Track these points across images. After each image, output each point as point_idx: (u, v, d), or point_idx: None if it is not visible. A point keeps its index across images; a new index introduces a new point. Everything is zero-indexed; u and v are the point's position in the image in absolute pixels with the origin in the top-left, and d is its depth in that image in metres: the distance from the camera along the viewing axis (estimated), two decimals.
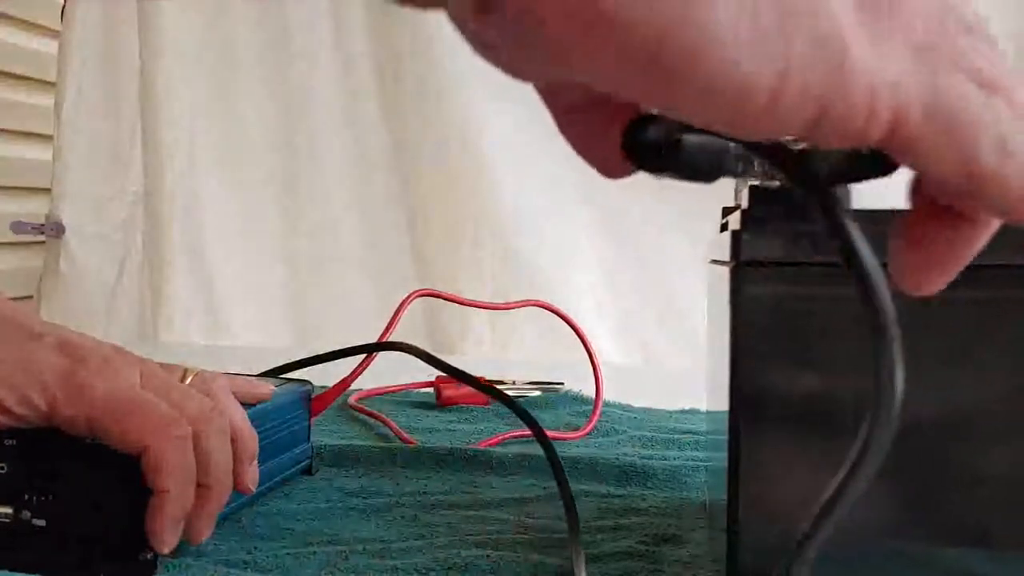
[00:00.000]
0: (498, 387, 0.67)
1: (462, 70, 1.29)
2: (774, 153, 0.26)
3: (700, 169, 0.30)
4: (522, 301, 0.84)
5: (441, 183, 1.32)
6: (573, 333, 0.73)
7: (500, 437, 0.67)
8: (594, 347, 0.72)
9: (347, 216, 1.37)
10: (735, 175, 0.31)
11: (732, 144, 0.27)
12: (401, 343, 0.64)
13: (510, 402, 0.60)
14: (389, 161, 1.35)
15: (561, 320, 0.75)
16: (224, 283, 1.39)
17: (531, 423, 0.56)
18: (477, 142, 1.30)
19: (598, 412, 0.71)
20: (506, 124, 1.30)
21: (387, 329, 0.70)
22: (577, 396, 0.82)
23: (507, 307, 0.96)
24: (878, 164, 0.26)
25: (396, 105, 1.33)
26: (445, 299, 0.81)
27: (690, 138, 0.28)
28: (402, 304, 0.71)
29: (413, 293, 0.74)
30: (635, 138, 0.29)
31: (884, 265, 0.25)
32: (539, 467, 0.61)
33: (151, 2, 1.36)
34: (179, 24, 1.36)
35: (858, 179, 0.29)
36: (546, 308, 0.79)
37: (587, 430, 0.69)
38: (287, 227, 1.39)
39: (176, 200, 1.38)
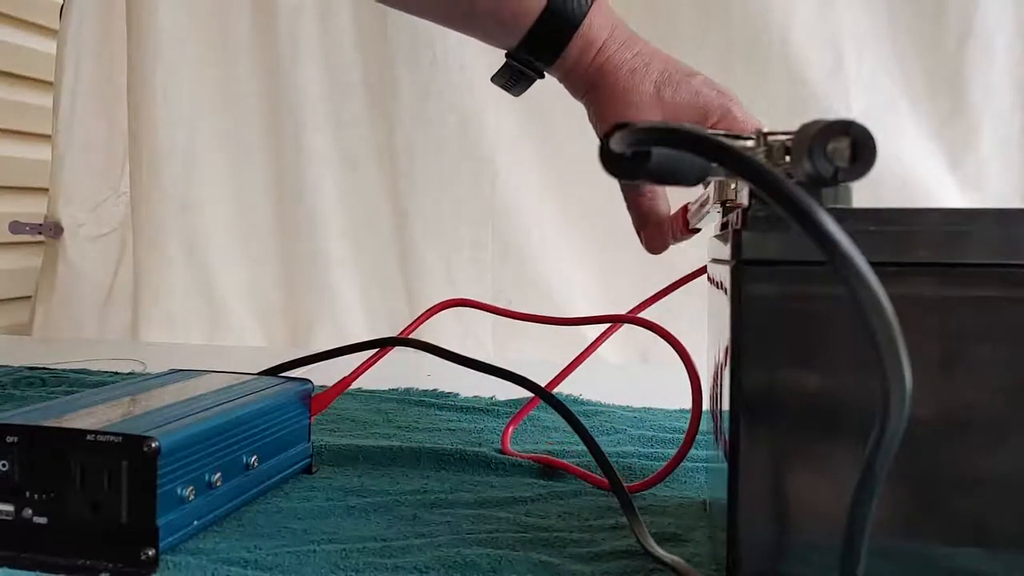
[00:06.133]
0: None
1: (463, 70, 1.28)
2: (739, 164, 0.26)
3: (665, 176, 0.31)
4: (604, 316, 0.66)
5: (440, 183, 1.32)
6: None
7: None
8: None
9: (340, 217, 1.36)
10: (697, 181, 0.32)
11: (694, 155, 0.28)
12: (411, 339, 0.63)
13: (553, 400, 0.59)
14: (387, 162, 1.35)
15: (657, 336, 0.58)
16: (220, 283, 1.39)
17: (574, 422, 0.56)
18: (477, 142, 1.30)
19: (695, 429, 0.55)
20: (507, 124, 1.30)
21: (407, 330, 0.67)
22: (576, 399, 0.82)
23: (574, 323, 0.68)
24: None
25: (397, 106, 1.32)
26: (484, 309, 0.72)
27: (657, 150, 0.30)
28: (430, 310, 0.68)
29: (445, 302, 0.69)
30: (608, 149, 0.30)
31: (873, 263, 0.25)
32: (538, 467, 0.61)
33: (145, 2, 1.35)
34: (173, 24, 1.36)
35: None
36: (637, 323, 0.61)
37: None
38: (281, 228, 1.39)
39: (174, 200, 1.37)
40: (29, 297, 1.51)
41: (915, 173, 1.15)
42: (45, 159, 1.50)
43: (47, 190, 1.48)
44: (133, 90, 1.38)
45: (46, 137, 1.51)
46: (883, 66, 1.18)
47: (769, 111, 1.21)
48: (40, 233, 1.48)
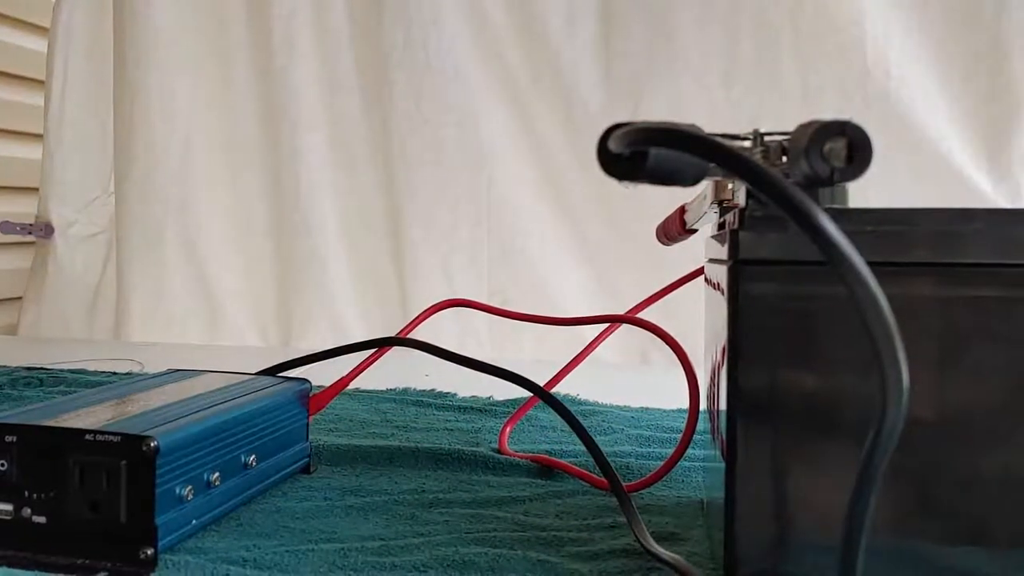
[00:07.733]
0: None
1: (458, 70, 1.28)
2: (738, 165, 0.27)
3: (663, 177, 0.31)
4: (602, 316, 0.67)
5: (437, 183, 1.32)
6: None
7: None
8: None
9: (336, 217, 1.36)
10: (695, 182, 0.32)
11: (692, 156, 0.29)
12: (409, 339, 0.63)
13: (551, 400, 0.60)
14: (383, 162, 1.35)
15: (655, 336, 0.58)
16: (217, 283, 1.38)
17: (573, 422, 0.57)
18: (474, 142, 1.30)
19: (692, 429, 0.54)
20: (503, 124, 1.30)
21: (405, 330, 0.68)
22: (574, 399, 0.82)
23: (573, 323, 0.69)
24: None
25: (393, 106, 1.32)
26: (482, 309, 0.74)
27: (655, 151, 0.30)
28: (428, 310, 0.69)
29: (443, 302, 0.70)
30: (606, 149, 0.30)
31: (871, 263, 0.25)
32: (535, 466, 0.61)
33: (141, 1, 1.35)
34: (167, 23, 1.35)
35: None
36: (635, 324, 0.62)
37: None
38: (278, 228, 1.38)
39: (170, 199, 1.37)
40: (19, 298, 1.51)
41: (949, 154, 1.12)
42: (36, 159, 1.49)
43: (34, 189, 1.48)
44: (127, 89, 1.38)
45: (38, 137, 1.50)
46: (912, 39, 1.13)
47: (780, 95, 1.19)
48: (31, 233, 1.47)
